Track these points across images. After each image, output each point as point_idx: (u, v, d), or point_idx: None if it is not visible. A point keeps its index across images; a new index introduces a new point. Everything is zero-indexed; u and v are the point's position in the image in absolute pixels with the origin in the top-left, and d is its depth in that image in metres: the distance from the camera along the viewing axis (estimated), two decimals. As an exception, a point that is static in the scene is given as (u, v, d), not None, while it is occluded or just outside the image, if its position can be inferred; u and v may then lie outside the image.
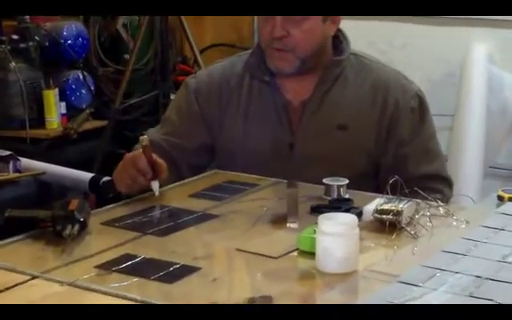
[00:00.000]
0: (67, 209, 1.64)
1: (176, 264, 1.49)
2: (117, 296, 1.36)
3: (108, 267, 1.49)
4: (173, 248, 1.60)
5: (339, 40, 2.18)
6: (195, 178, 2.15)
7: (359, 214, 1.66)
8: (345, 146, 2.10)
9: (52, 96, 3.63)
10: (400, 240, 1.61)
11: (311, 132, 2.11)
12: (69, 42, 3.78)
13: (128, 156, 1.96)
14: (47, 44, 3.71)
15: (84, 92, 3.86)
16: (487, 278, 1.36)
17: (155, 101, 3.90)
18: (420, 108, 2.14)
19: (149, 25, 3.89)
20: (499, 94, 3.33)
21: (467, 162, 3.21)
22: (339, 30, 2.17)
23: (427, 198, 1.75)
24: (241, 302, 1.31)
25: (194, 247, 1.65)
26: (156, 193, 1.92)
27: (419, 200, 1.73)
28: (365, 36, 3.24)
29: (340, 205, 1.76)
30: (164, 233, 1.69)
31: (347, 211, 1.65)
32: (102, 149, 3.65)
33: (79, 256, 1.55)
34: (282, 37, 2.05)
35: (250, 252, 1.56)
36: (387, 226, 1.64)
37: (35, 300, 1.35)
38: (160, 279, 1.43)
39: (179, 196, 1.96)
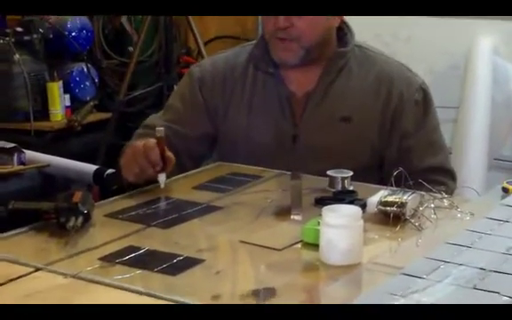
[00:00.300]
0: (70, 201, 1.64)
1: (180, 256, 1.49)
2: (121, 288, 1.35)
3: (111, 259, 1.48)
4: (177, 240, 1.60)
5: (343, 32, 2.17)
6: (198, 170, 2.15)
7: (363, 206, 1.65)
8: (349, 138, 2.09)
9: (56, 88, 3.64)
10: (404, 232, 1.61)
11: (315, 124, 2.11)
12: (73, 34, 3.79)
13: (139, 145, 1.91)
14: (51, 36, 3.72)
15: (88, 84, 3.86)
16: (491, 270, 1.36)
17: (159, 93, 3.90)
18: (424, 100, 2.14)
19: (153, 17, 3.89)
20: (504, 86, 3.32)
21: (471, 154, 3.20)
22: (343, 22, 2.17)
23: (431, 190, 1.74)
24: (245, 294, 1.32)
25: (197, 239, 1.65)
26: (162, 185, 1.92)
27: (423, 192, 1.73)
28: (370, 28, 3.22)
29: (343, 197, 1.76)
30: (168, 225, 1.69)
31: (351, 202, 1.65)
32: (106, 141, 3.65)
33: (83, 248, 1.55)
34: (286, 28, 2.04)
35: (253, 244, 1.56)
36: (391, 218, 1.63)
37: (38, 292, 1.35)
38: (164, 271, 1.43)
39: (182, 188, 1.95)
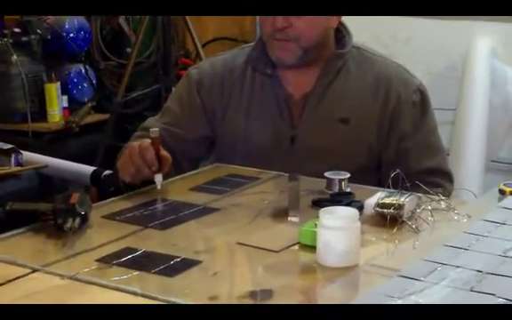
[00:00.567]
0: (68, 202, 1.63)
1: (177, 257, 1.49)
2: (118, 289, 1.35)
3: (108, 260, 1.48)
4: (174, 241, 1.60)
5: (341, 33, 2.18)
6: (195, 171, 2.15)
7: (360, 208, 1.65)
8: (346, 139, 2.09)
9: (53, 89, 3.64)
10: (401, 234, 1.61)
11: (312, 126, 2.11)
12: (71, 35, 3.79)
13: (135, 145, 1.92)
14: (49, 37, 3.72)
15: (85, 85, 3.87)
16: (488, 272, 1.36)
17: (157, 95, 3.90)
18: (422, 102, 2.14)
19: (151, 19, 3.90)
20: (501, 89, 3.32)
21: (468, 156, 3.20)
22: (341, 24, 2.17)
23: (428, 192, 1.74)
24: (242, 296, 1.32)
25: (194, 241, 1.65)
26: (159, 186, 1.92)
27: (420, 194, 1.73)
28: (369, 29, 3.23)
29: (341, 199, 1.76)
30: (165, 226, 1.69)
31: (348, 204, 1.65)
32: (104, 143, 3.65)
33: (80, 249, 1.55)
34: (284, 28, 2.04)
35: (251, 246, 1.56)
36: (388, 220, 1.63)
37: (35, 293, 1.35)
38: (161, 272, 1.43)
39: (179, 190, 1.95)
